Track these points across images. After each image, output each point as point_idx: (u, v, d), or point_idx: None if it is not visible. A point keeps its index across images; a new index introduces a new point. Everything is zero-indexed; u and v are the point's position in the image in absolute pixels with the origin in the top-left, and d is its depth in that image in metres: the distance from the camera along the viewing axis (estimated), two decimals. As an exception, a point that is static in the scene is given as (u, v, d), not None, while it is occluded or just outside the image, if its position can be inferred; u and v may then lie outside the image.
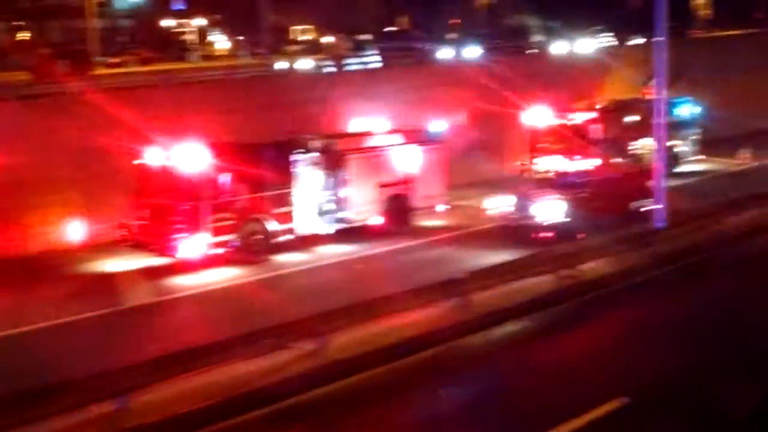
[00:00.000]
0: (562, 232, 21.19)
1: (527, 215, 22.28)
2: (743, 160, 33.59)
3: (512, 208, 22.89)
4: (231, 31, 63.01)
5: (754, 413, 10.36)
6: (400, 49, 45.50)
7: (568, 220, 21.72)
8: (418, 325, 15.23)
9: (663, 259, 19.73)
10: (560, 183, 23.70)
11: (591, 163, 24.70)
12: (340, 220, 23.37)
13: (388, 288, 16.10)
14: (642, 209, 22.69)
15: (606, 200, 22.27)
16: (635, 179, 23.83)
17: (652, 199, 22.08)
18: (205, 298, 18.66)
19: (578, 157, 27.19)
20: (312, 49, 52.80)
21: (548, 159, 27.36)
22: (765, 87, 43.76)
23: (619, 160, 27.65)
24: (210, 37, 63.95)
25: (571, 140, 29.47)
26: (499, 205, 23.56)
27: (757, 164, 32.94)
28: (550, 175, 26.85)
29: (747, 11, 64.87)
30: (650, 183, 22.30)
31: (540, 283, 17.62)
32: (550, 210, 21.97)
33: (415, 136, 25.59)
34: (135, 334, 15.71)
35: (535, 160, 29.98)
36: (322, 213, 23.14)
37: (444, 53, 44.71)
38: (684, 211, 22.51)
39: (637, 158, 29.87)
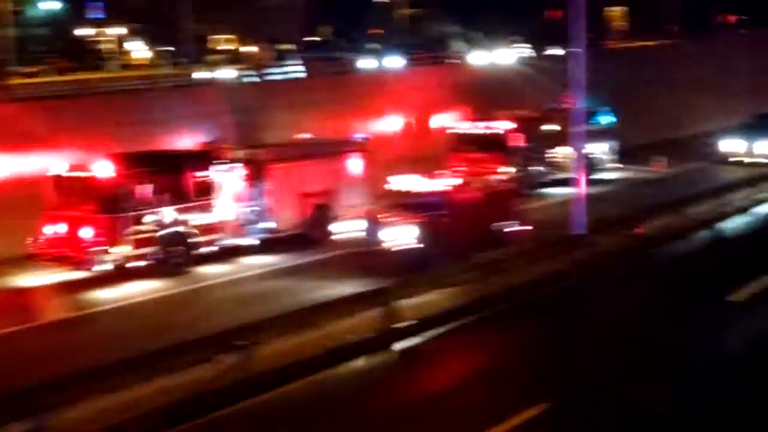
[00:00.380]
0: (415, 258, 19.59)
1: (376, 240, 20.62)
2: (658, 167, 34.51)
3: (363, 233, 21.34)
4: (152, 40, 62.05)
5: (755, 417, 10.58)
6: (322, 58, 45.49)
7: (421, 245, 20.01)
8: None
9: (583, 264, 20.09)
10: (415, 204, 21.32)
11: (451, 182, 22.76)
12: (263, 231, 23.13)
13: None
14: (506, 231, 21.64)
15: (465, 223, 20.59)
16: (500, 199, 22.57)
17: (517, 221, 21.67)
18: (123, 312, 18.21)
19: (439, 175, 24.42)
20: (234, 58, 52.39)
21: (404, 178, 23.75)
22: (677, 97, 45.15)
23: (486, 178, 25.84)
24: (129, 46, 62.83)
25: (489, 149, 29.88)
26: (349, 229, 22.33)
27: (671, 172, 33.88)
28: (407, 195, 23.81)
29: (661, 23, 66.88)
30: (517, 203, 21.86)
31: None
32: (401, 234, 20.27)
33: (339, 145, 25.59)
34: (50, 350, 15.22)
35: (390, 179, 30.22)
36: (245, 224, 22.88)
37: (366, 63, 44.88)
38: (602, 218, 22.95)
39: (523, 174, 30.29)
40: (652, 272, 20.46)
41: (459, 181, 23.04)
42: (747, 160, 34.83)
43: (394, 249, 20.11)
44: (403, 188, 22.24)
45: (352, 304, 15.87)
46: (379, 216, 21.19)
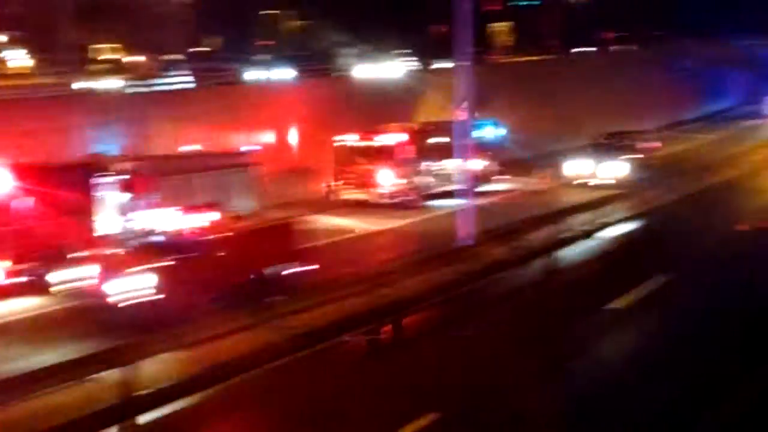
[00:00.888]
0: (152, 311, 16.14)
1: (106, 291, 17.06)
2: (542, 180, 35.44)
3: (93, 281, 18.16)
4: (32, 48, 59.75)
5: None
6: (210, 69, 44.81)
7: (161, 295, 16.77)
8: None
9: (473, 274, 20.34)
10: (161, 245, 18.87)
11: (207, 219, 20.29)
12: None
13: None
14: (283, 274, 18.13)
15: (225, 266, 17.52)
16: (274, 237, 19.03)
17: (298, 262, 18.47)
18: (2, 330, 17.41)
19: (195, 211, 22.35)
20: (118, 68, 51.01)
21: (155, 214, 21.99)
22: (560, 110, 46.56)
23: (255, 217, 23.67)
24: (5, 54, 60.31)
25: (378, 161, 30.12)
26: (77, 276, 19.14)
27: (555, 184, 34.82)
28: (155, 236, 21.18)
29: (544, 39, 68.80)
30: (296, 240, 19.01)
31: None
32: (137, 283, 17.03)
33: (226, 157, 25.24)
34: None
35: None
36: (128, 238, 22.23)
37: (255, 74, 44.49)
38: (489, 229, 23.31)
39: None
40: (536, 283, 20.93)
41: (217, 216, 20.72)
42: (592, 181, 34.02)
43: (126, 302, 16.56)
44: (153, 227, 19.40)
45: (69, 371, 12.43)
46: (115, 260, 18.10)
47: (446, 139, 31.13)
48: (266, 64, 49.94)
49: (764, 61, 60.60)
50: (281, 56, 53.78)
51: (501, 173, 35.15)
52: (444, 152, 31.20)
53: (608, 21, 76.28)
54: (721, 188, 32.88)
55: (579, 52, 63.41)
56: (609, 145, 37.15)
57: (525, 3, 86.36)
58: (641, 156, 36.67)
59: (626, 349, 16.08)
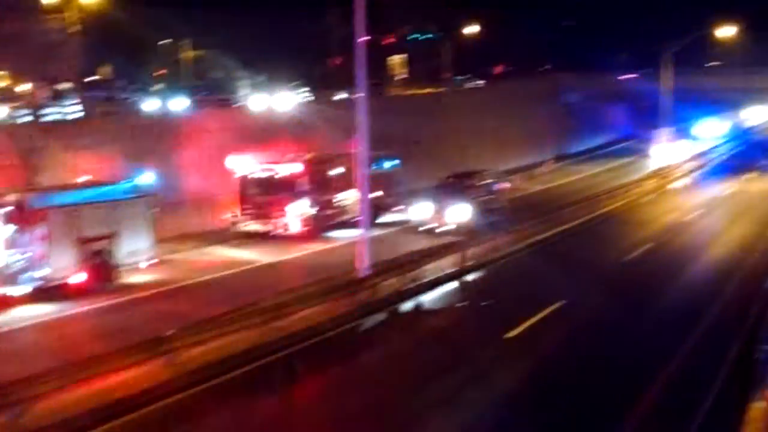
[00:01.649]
0: None
1: None
2: (504, 191, 36.04)
3: None
4: None
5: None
6: (103, 99, 43.97)
7: None
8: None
9: (369, 306, 20.45)
10: None
11: None
12: (36, 279, 21.76)
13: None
14: None
15: None
16: None
17: None
18: None
19: None
20: (5, 97, 49.42)
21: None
22: (456, 141, 47.48)
23: None
24: None
25: (277, 192, 30.08)
26: None
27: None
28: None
29: (437, 71, 70.14)
30: None
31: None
32: None
33: (118, 189, 24.67)
34: None
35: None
36: (15, 272, 21.46)
37: (150, 105, 43.88)
38: (385, 260, 23.49)
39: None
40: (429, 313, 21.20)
41: None
42: (438, 227, 31.00)
43: None
44: None
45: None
46: None
47: (344, 171, 31.39)
48: (162, 94, 49.34)
49: (644, 95, 63.38)
50: (178, 86, 53.20)
51: (396, 204, 35.49)
52: (342, 183, 31.42)
53: (498, 55, 78.54)
54: (578, 232, 31.91)
55: (470, 84, 64.99)
56: (453, 186, 33.92)
57: (420, 37, 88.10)
58: (490, 197, 34.33)
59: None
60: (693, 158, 52.73)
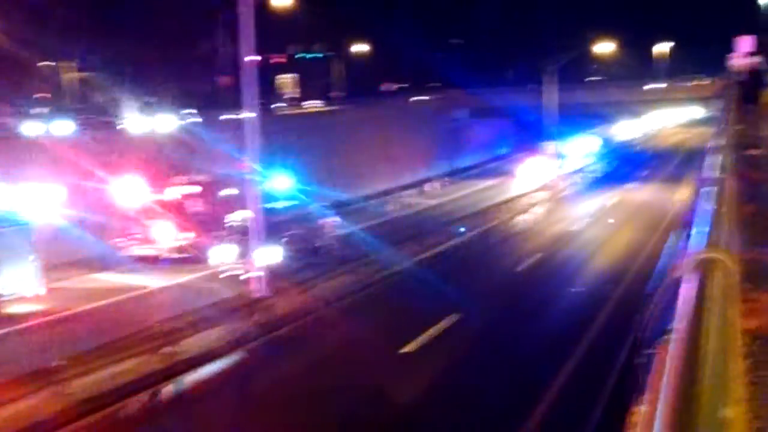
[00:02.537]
0: None
1: None
2: (329, 227, 35.93)
3: None
4: None
5: None
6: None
7: None
8: None
9: (266, 326, 20.24)
10: None
11: None
12: None
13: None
14: None
15: None
16: None
17: None
18: None
19: None
20: None
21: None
22: (348, 159, 47.66)
23: None
24: None
25: (165, 215, 29.45)
26: None
27: (345, 232, 35.42)
28: None
29: (328, 90, 70.48)
30: None
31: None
32: None
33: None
34: None
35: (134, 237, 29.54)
36: None
37: (32, 128, 42.35)
38: (284, 280, 23.35)
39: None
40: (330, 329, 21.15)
41: None
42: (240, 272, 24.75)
43: None
44: None
45: None
46: None
47: (235, 192, 31.00)
48: (44, 117, 47.77)
49: (530, 111, 65.18)
50: (60, 109, 51.62)
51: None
52: (234, 204, 31.01)
53: (388, 73, 79.47)
54: (468, 245, 31.65)
55: (362, 102, 65.40)
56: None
57: (309, 55, 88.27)
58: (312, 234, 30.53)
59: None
60: (563, 177, 52.74)
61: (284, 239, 28.43)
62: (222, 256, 27.30)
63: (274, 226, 26.39)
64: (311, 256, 28.50)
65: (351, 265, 26.27)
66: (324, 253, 29.43)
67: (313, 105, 62.44)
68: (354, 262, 26.83)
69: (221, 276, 25.47)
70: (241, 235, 25.81)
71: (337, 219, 34.04)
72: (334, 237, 31.98)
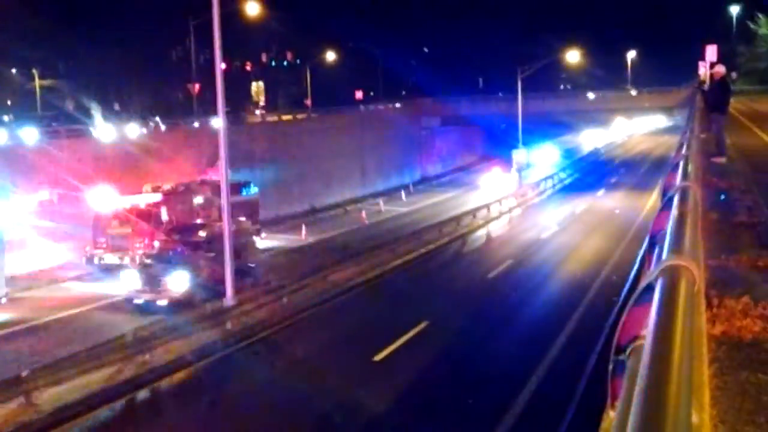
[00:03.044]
0: None
1: None
2: (304, 237, 35.95)
3: None
4: None
5: None
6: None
7: None
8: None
9: (238, 335, 20.16)
10: None
11: None
12: None
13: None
14: None
15: None
16: None
17: None
18: None
19: None
20: None
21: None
22: (319, 166, 47.62)
23: None
24: None
25: (134, 223, 29.21)
26: None
27: (314, 240, 35.44)
28: None
29: (300, 99, 70.37)
30: None
31: None
32: None
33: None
34: None
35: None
36: None
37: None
38: (253, 289, 23.28)
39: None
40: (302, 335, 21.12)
41: None
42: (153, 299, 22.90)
43: None
44: None
45: None
46: None
47: (205, 199, 30.90)
48: (10, 125, 47.27)
49: (500, 119, 65.57)
50: (27, 116, 51.10)
51: (259, 231, 35.26)
52: (205, 212, 30.89)
53: (359, 81, 79.63)
54: (443, 251, 32.23)
55: (333, 110, 65.45)
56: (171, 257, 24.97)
57: (278, 64, 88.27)
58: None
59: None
60: (532, 185, 52.57)
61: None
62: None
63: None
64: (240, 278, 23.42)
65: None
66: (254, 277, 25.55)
67: (285, 113, 62.33)
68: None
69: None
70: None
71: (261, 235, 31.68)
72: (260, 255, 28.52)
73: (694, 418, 1.78)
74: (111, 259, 29.11)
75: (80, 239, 29.78)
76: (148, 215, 29.42)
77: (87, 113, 47.04)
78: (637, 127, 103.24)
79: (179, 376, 17.64)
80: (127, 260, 28.89)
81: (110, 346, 17.39)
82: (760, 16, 72.12)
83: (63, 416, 14.95)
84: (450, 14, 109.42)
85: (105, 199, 29.75)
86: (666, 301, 2.40)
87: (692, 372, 1.96)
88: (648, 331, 2.25)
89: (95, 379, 16.36)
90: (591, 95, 70.01)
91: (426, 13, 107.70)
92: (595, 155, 74.68)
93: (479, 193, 50.49)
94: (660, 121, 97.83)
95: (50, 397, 15.35)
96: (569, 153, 70.80)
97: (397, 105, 70.07)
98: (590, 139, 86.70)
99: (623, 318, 2.81)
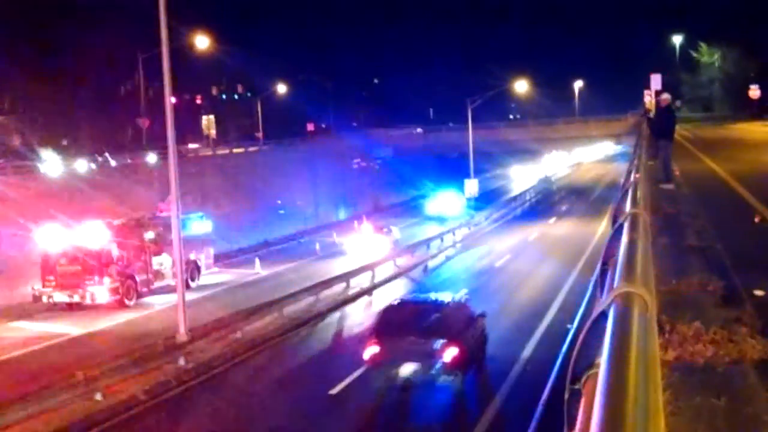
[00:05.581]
0: None
1: None
2: (257, 269, 35.70)
3: None
4: None
5: None
6: None
7: None
8: None
9: (191, 372, 19.85)
10: None
11: None
12: None
13: None
14: None
15: None
16: None
17: None
18: None
19: None
20: None
21: None
22: (270, 199, 47.48)
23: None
24: None
25: (86, 262, 28.72)
26: None
27: (267, 273, 35.17)
28: None
29: (251, 130, 70.31)
30: None
31: None
32: None
33: None
34: None
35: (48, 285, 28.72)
36: None
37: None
38: (205, 323, 22.96)
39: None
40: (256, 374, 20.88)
41: None
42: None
43: None
44: None
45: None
46: None
47: (157, 234, 30.57)
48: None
49: (453, 148, 66.05)
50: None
51: (213, 265, 35.03)
52: (156, 247, 30.56)
53: (308, 113, 79.90)
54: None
55: (286, 143, 65.47)
56: None
57: (226, 97, 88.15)
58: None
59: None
60: (484, 214, 51.68)
61: None
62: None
63: None
64: None
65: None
66: None
67: (235, 146, 62.15)
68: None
69: None
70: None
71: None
72: None
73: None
74: (60, 296, 28.60)
75: (30, 276, 29.23)
76: (99, 251, 28.99)
77: (33, 149, 46.35)
78: (586, 155, 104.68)
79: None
80: (76, 298, 28.40)
81: (62, 385, 17.01)
82: (702, 45, 74.15)
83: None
84: (399, 46, 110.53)
85: (55, 235, 29.23)
86: (619, 328, 2.41)
87: (648, 398, 1.96)
88: (603, 359, 2.25)
89: (48, 419, 15.98)
90: (563, 123, 70.03)
91: (374, 45, 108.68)
92: (546, 182, 75.38)
93: (431, 224, 50.54)
94: (609, 148, 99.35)
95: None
96: (458, 208, 54.51)
97: (349, 136, 70.27)
98: (542, 167, 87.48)
99: (577, 346, 2.81)
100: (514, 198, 61.86)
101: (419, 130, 72.53)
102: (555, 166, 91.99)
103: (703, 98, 75.62)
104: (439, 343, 16.09)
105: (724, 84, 73.68)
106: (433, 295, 19.92)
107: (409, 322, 17.01)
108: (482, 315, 19.72)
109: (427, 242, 39.63)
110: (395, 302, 19.29)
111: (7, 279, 29.81)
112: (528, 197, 63.04)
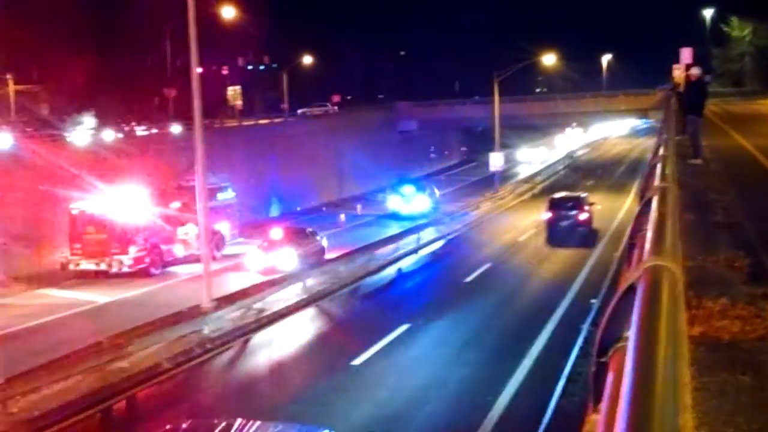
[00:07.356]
0: None
1: None
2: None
3: None
4: None
5: None
6: None
7: None
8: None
9: (212, 342, 20.02)
10: None
11: None
12: None
13: None
14: None
15: None
16: None
17: None
18: None
19: None
20: None
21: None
22: (297, 172, 47.49)
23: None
24: None
25: (112, 230, 28.95)
26: None
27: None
28: None
29: (276, 102, 70.15)
30: None
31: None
32: None
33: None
34: None
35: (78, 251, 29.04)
36: None
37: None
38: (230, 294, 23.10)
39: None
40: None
41: None
42: None
43: None
44: None
45: None
46: None
47: (184, 203, 30.71)
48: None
49: (476, 123, 65.68)
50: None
51: (238, 236, 35.17)
52: (182, 216, 30.73)
53: (335, 85, 79.63)
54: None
55: (307, 114, 65.39)
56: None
57: (252, 67, 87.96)
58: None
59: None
60: (511, 187, 52.61)
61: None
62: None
63: None
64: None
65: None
66: None
67: (261, 117, 62.17)
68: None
69: None
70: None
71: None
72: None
73: (681, 421, 1.77)
74: (87, 264, 28.91)
75: (59, 244, 29.55)
76: (128, 219, 29.23)
77: (61, 118, 46.64)
78: (613, 130, 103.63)
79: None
80: (103, 266, 28.69)
81: (88, 352, 17.21)
82: (733, 18, 72.91)
83: (42, 425, 14.75)
84: (425, 18, 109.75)
85: (82, 203, 29.49)
86: (649, 301, 2.40)
87: (676, 373, 1.96)
88: (631, 332, 2.25)
89: (72, 387, 16.20)
90: (591, 97, 69.44)
91: (402, 16, 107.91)
92: (573, 157, 74.77)
93: (456, 196, 50.36)
94: (636, 123, 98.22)
95: (28, 405, 15.15)
96: (425, 206, 44.93)
97: (374, 108, 70.06)
98: (568, 141, 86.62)
99: (604, 319, 2.80)
100: (539, 172, 61.54)
101: (444, 103, 71.99)
102: (581, 139, 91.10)
103: (734, 73, 74.46)
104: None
105: (755, 58, 72.51)
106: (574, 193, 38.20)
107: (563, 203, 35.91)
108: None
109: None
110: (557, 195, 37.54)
111: (39, 246, 30.14)
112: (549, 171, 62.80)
